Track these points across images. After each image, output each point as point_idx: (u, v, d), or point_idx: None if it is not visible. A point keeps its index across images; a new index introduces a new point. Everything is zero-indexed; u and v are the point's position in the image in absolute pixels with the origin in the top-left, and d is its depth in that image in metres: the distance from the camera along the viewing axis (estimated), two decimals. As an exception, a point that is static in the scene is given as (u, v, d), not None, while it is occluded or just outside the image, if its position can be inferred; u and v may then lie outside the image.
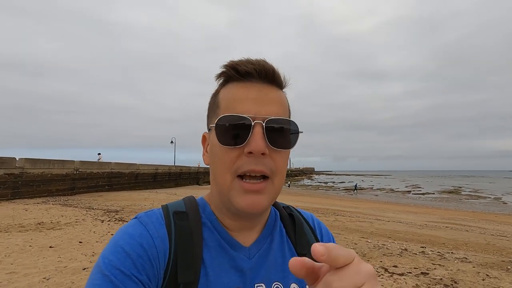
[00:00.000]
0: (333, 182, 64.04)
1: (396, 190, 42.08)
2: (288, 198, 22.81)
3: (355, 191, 39.93)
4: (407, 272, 4.37)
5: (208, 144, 0.59)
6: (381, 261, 4.90)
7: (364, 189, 44.47)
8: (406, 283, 3.91)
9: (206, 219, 0.58)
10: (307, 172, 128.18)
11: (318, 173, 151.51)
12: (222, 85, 0.58)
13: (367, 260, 5.02)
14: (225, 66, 0.56)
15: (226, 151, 0.52)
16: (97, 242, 5.54)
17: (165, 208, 0.58)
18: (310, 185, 55.28)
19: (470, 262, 5.01)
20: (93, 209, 10.10)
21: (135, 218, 0.56)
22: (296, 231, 0.65)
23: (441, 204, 26.07)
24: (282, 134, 0.54)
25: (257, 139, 0.50)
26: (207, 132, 0.61)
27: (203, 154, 0.63)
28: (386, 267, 4.57)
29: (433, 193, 36.90)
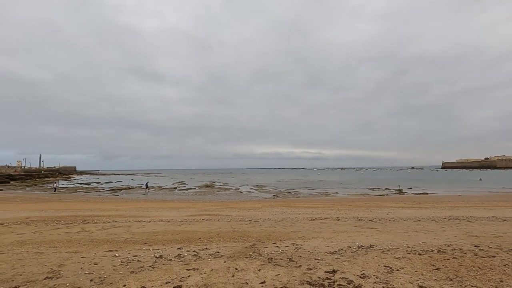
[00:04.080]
0: (98, 183, 56.58)
1: (164, 187, 43.60)
2: (15, 207, 16.44)
3: (147, 189, 37.46)
4: (156, 294, 3.29)
5: None
6: (125, 285, 3.54)
7: (133, 188, 42.39)
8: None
9: None
10: (65, 172, 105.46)
11: (81, 173, 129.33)
12: None
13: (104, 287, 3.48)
14: None
15: None
16: None
17: None
18: (66, 187, 45.35)
19: (221, 256, 4.82)
20: None
21: None
22: None
23: (200, 197, 29.56)
24: None
25: None
26: None
27: None
28: (129, 294, 3.25)
29: (195, 188, 41.70)
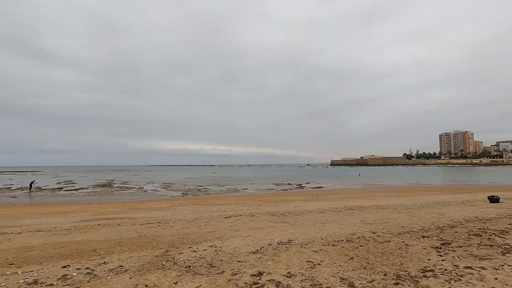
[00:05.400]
0: None
1: (45, 188, 35.91)
2: None
3: (31, 190, 31.06)
4: None
5: None
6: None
7: (-2, 190, 33.34)
8: None
9: None
10: None
11: None
12: None
13: None
14: None
15: None
16: None
17: None
18: None
19: (126, 271, 3.93)
20: None
21: None
22: None
23: (95, 198, 25.50)
24: None
25: None
26: None
27: None
28: None
29: (87, 188, 35.86)
